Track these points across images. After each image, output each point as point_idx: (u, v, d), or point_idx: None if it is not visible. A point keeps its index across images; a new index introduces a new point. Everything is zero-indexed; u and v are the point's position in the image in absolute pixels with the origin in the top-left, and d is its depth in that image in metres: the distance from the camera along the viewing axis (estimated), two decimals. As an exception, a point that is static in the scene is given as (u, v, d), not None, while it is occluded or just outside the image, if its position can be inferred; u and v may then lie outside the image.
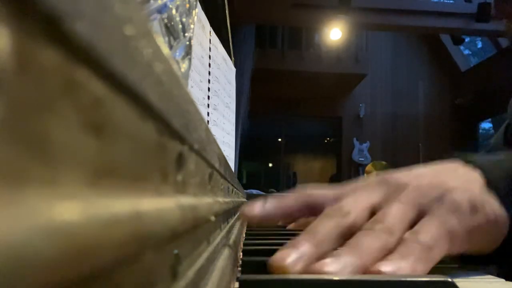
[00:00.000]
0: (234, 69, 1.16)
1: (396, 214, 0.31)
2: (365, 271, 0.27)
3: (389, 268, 0.27)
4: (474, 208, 0.32)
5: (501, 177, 0.35)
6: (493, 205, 0.33)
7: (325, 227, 0.30)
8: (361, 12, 3.80)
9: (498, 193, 0.34)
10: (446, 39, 5.37)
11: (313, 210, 0.34)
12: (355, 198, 0.33)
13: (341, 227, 0.30)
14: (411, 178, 0.34)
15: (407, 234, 0.30)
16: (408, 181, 0.34)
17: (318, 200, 0.35)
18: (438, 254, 0.30)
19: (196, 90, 0.73)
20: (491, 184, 0.34)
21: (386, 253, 0.29)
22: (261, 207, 0.34)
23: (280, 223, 0.39)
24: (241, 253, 0.38)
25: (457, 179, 0.34)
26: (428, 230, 0.30)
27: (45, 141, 0.06)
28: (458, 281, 0.25)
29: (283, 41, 5.06)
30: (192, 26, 0.63)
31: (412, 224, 0.31)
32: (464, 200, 0.32)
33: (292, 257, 0.26)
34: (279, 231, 0.55)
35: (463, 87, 5.34)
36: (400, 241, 0.29)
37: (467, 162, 0.36)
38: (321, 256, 0.27)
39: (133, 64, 0.09)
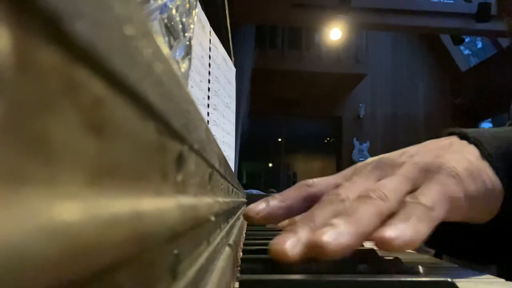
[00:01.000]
0: (234, 69, 1.16)
1: (391, 184, 0.31)
2: (366, 237, 0.27)
3: (391, 232, 0.26)
4: (471, 175, 0.33)
5: (495, 149, 0.35)
6: (489, 173, 0.34)
7: (323, 212, 0.30)
8: (361, 12, 3.80)
9: (492, 164, 0.35)
10: (446, 39, 5.37)
11: (314, 202, 0.33)
12: (352, 184, 0.33)
13: (337, 212, 0.30)
14: (407, 157, 0.35)
15: (407, 197, 0.30)
16: (405, 159, 0.34)
17: (319, 190, 0.35)
18: (439, 214, 0.30)
19: (196, 90, 0.73)
20: (486, 156, 0.35)
21: (384, 219, 0.28)
22: (265, 205, 0.35)
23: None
24: (241, 253, 0.38)
25: (453, 152, 0.35)
26: (428, 193, 0.30)
27: (45, 141, 0.06)
28: (458, 281, 0.25)
29: (283, 41, 5.05)
30: (192, 26, 0.63)
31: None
32: (462, 168, 0.33)
33: (291, 241, 0.26)
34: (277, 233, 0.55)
35: (463, 87, 5.33)
36: (400, 206, 0.29)
37: (462, 137, 0.37)
38: None
39: (133, 64, 0.09)
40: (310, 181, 0.37)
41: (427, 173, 0.32)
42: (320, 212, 0.30)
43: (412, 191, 0.31)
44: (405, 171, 0.33)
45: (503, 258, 0.41)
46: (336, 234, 0.26)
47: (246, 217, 0.35)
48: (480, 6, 3.77)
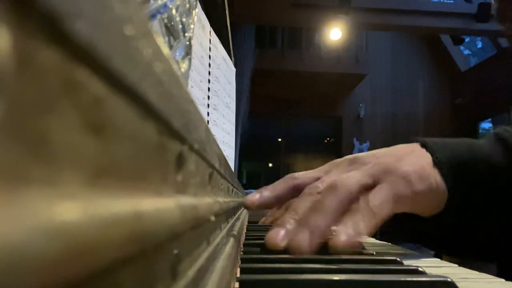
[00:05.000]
0: (234, 69, 1.16)
1: (354, 177, 0.39)
2: (328, 229, 0.36)
3: (340, 237, 0.35)
4: (421, 177, 0.41)
5: (445, 158, 0.44)
6: (437, 178, 0.42)
7: (303, 206, 0.38)
8: (361, 12, 3.79)
9: (441, 170, 0.43)
10: (446, 39, 5.36)
11: (299, 191, 0.42)
12: (329, 178, 0.41)
13: (314, 202, 0.38)
14: (373, 158, 0.43)
15: (361, 200, 0.38)
16: (370, 160, 0.42)
17: (303, 181, 0.44)
18: (385, 213, 0.38)
19: (196, 90, 0.73)
20: (437, 163, 0.43)
21: (345, 208, 0.38)
22: (259, 195, 0.44)
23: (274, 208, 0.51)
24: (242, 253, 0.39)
25: (411, 157, 0.43)
26: (378, 195, 0.38)
27: (45, 141, 0.06)
28: (458, 281, 0.25)
29: (283, 41, 5.05)
30: (192, 26, 0.63)
31: (369, 189, 0.39)
32: (412, 171, 0.41)
33: (280, 234, 0.36)
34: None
35: (463, 87, 5.33)
36: (360, 194, 0.38)
37: (423, 144, 0.45)
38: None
39: (133, 64, 0.09)
40: (295, 174, 0.46)
41: (386, 172, 0.40)
42: (301, 205, 0.38)
43: (373, 184, 0.40)
44: (369, 168, 0.41)
45: (502, 255, 0.47)
46: (309, 231, 0.35)
47: (244, 205, 0.44)
48: (480, 6, 3.77)
